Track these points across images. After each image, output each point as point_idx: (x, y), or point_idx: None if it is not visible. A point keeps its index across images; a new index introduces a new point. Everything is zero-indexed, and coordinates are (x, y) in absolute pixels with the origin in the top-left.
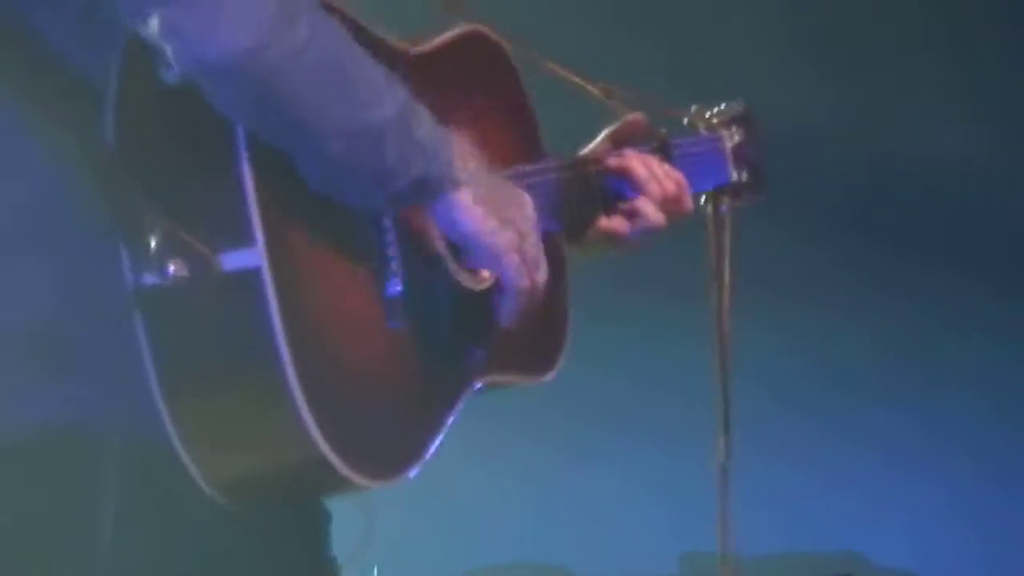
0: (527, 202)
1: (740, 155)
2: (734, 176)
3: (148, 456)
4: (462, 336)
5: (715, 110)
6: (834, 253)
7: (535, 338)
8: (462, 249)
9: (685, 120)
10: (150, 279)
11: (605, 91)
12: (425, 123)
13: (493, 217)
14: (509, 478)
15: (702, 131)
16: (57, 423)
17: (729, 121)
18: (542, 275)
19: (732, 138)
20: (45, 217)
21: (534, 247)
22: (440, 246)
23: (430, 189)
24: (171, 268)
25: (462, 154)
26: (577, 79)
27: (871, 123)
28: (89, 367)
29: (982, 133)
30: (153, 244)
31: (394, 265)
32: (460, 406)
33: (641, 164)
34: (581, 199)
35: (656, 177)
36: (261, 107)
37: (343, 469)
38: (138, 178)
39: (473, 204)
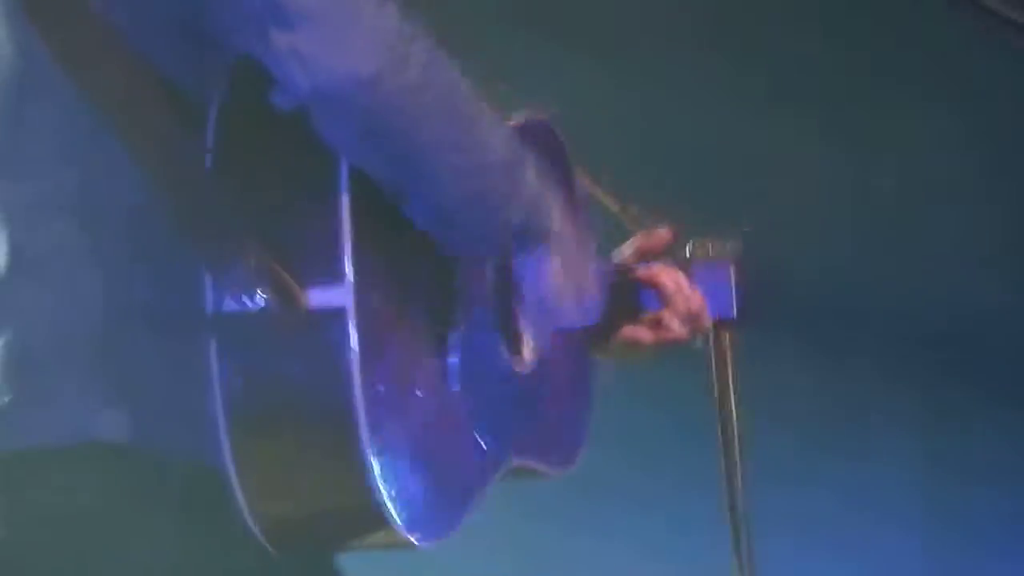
0: (593, 247)
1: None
2: (736, 309)
3: (211, 485)
4: (505, 413)
5: (715, 245)
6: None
7: (562, 430)
8: (525, 302)
9: (687, 249)
10: (231, 305)
11: (622, 206)
12: (530, 170)
13: (572, 281)
14: (504, 552)
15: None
16: (116, 439)
17: (730, 257)
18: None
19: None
20: (128, 233)
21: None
22: (503, 312)
23: (531, 237)
24: (254, 297)
25: (557, 207)
26: (598, 188)
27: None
28: (152, 388)
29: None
30: (239, 270)
31: (459, 330)
32: (497, 479)
33: (670, 278)
34: (613, 303)
35: (683, 291)
36: (374, 138)
37: (396, 526)
38: (232, 202)
39: (560, 266)
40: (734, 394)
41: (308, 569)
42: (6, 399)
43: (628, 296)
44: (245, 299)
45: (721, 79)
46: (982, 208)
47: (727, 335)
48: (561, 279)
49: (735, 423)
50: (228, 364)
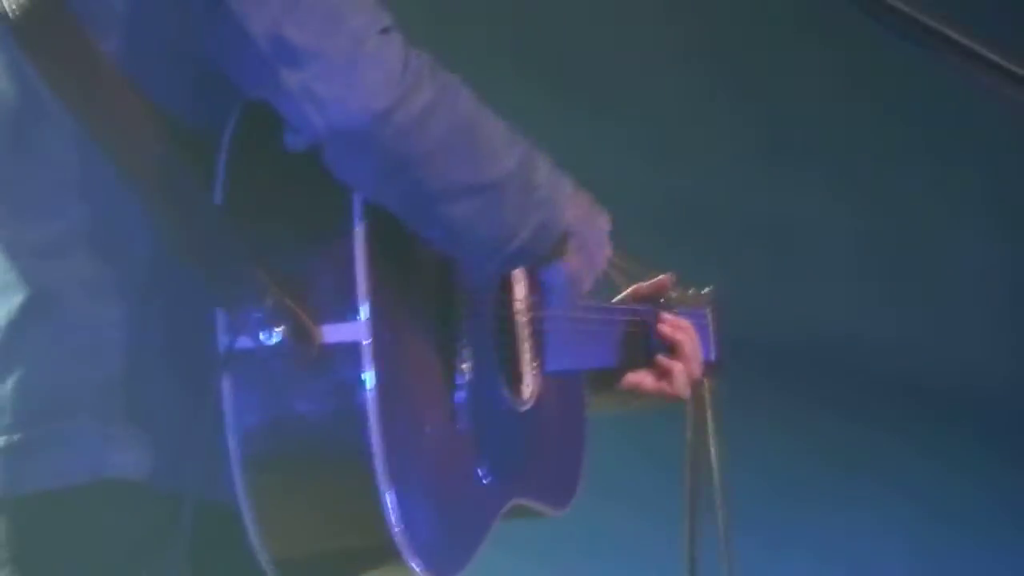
0: (606, 230)
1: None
2: (714, 353)
3: (222, 521)
4: (507, 451)
5: (692, 291)
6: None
7: (558, 470)
8: (546, 289)
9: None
10: (245, 343)
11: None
12: (542, 168)
13: (587, 267)
14: None
15: (678, 308)
16: (130, 475)
17: (707, 302)
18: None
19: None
20: (142, 271)
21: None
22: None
23: (547, 241)
24: (269, 334)
25: (574, 194)
26: None
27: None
28: (167, 425)
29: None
30: (255, 307)
31: (464, 371)
32: (500, 517)
33: (689, 338)
34: (623, 347)
35: (697, 354)
36: (389, 170)
37: (410, 563)
38: (245, 240)
39: (576, 258)
40: (713, 439)
41: None
42: (18, 437)
43: (638, 342)
44: (261, 336)
45: (722, 127)
46: (982, 257)
47: (705, 379)
48: (581, 270)
49: (715, 467)
50: (242, 401)
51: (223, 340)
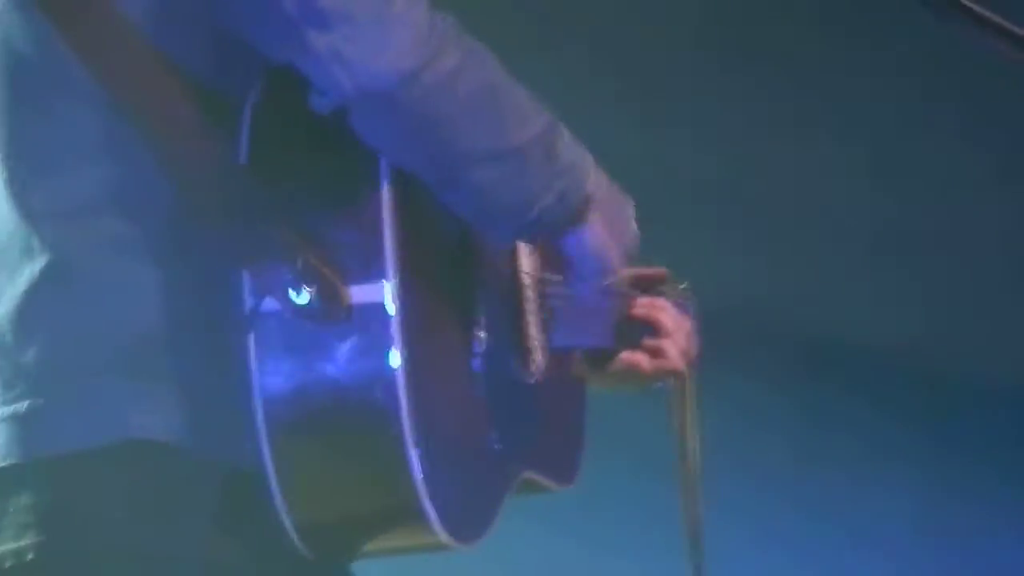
0: (631, 211)
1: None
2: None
3: (248, 488)
4: (518, 423)
5: (677, 286)
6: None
7: (562, 446)
8: (575, 263)
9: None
10: (271, 304)
11: None
12: (566, 139)
13: (613, 239)
14: None
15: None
16: (157, 437)
17: (691, 295)
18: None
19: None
20: (170, 230)
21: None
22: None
23: (569, 209)
24: (295, 294)
25: (592, 170)
26: None
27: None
28: (195, 388)
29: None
30: (280, 268)
31: (481, 338)
32: (513, 488)
33: (668, 316)
34: (622, 329)
35: (681, 329)
36: (415, 131)
37: (436, 526)
38: (270, 202)
39: (601, 227)
40: (692, 427)
41: None
42: (41, 402)
43: (628, 323)
44: (288, 296)
45: (722, 102)
46: (987, 242)
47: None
48: (607, 239)
49: (697, 460)
50: (267, 361)
51: (249, 301)
